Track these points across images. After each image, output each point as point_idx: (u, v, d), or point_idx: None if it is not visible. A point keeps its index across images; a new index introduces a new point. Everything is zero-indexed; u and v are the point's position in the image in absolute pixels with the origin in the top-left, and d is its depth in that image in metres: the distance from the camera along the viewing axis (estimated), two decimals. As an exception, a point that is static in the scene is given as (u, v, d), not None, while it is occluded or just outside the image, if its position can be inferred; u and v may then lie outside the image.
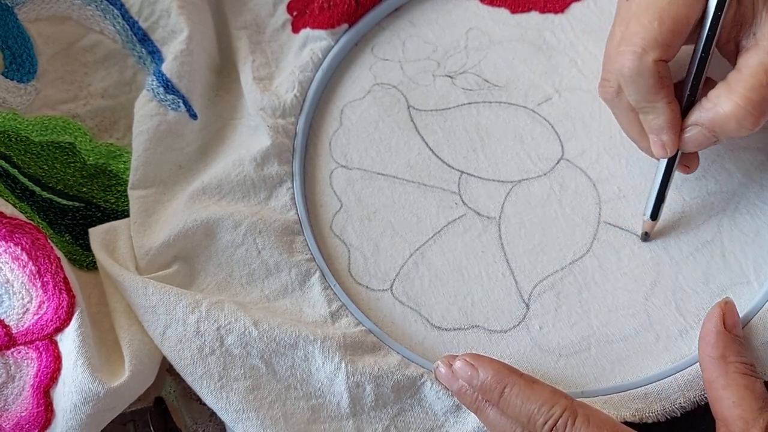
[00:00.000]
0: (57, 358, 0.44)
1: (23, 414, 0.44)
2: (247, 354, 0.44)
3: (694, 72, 0.44)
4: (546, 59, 0.54)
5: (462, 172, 0.51)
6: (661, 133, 0.44)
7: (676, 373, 0.44)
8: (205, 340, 0.44)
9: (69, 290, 0.44)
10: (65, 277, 0.45)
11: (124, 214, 0.51)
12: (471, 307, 0.47)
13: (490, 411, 0.42)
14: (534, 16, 0.56)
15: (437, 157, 0.52)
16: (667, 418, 0.43)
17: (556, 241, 0.49)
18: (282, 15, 0.57)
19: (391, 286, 0.48)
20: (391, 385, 0.44)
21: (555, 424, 0.40)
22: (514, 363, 0.44)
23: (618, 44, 0.43)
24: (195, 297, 0.45)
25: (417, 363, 0.45)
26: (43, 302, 0.44)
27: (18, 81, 0.53)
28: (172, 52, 0.53)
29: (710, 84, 0.44)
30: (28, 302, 0.45)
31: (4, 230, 0.45)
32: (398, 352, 0.46)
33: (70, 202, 0.51)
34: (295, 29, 0.56)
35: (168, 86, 0.52)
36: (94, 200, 0.52)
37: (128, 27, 0.55)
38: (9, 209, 0.46)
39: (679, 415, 0.43)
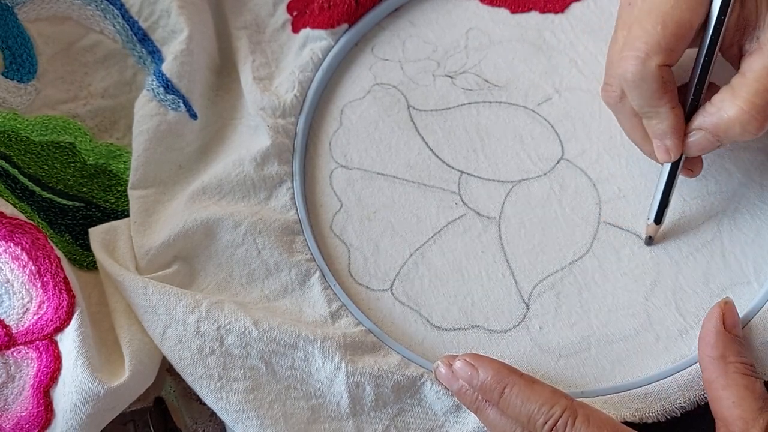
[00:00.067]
0: (57, 358, 0.44)
1: (23, 414, 0.44)
2: (247, 354, 0.44)
3: (697, 76, 0.43)
4: (546, 59, 0.54)
5: (462, 172, 0.51)
6: (665, 138, 0.44)
7: (676, 373, 0.44)
8: (205, 340, 0.44)
9: (69, 290, 0.44)
10: (65, 277, 0.45)
11: (124, 214, 0.51)
12: (471, 307, 0.47)
13: (490, 411, 0.42)
14: (534, 16, 0.56)
15: (437, 157, 0.52)
16: (667, 418, 0.43)
17: (556, 241, 0.49)
18: (282, 15, 0.57)
19: (391, 286, 0.48)
20: (391, 385, 0.44)
21: (555, 424, 0.40)
22: (514, 363, 0.44)
23: (621, 49, 0.43)
24: (195, 297, 0.45)
25: (417, 363, 0.45)
26: (43, 302, 0.44)
27: (18, 81, 0.53)
28: (172, 52, 0.53)
29: (713, 89, 0.44)
30: (28, 302, 0.45)
31: (4, 230, 0.45)
32: (398, 352, 0.46)
33: (70, 202, 0.51)
34: (295, 29, 0.56)
35: (168, 86, 0.52)
36: (94, 200, 0.52)
37: (128, 27, 0.55)
38: (9, 209, 0.46)
39: (679, 415, 0.43)
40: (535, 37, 0.55)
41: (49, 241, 0.46)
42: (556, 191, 0.50)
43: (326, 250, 0.50)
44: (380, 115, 0.54)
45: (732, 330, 0.42)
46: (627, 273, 0.47)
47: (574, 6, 0.55)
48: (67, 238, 0.50)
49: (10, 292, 0.45)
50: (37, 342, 0.44)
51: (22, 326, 0.44)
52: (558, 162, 0.51)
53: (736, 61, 0.43)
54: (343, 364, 0.44)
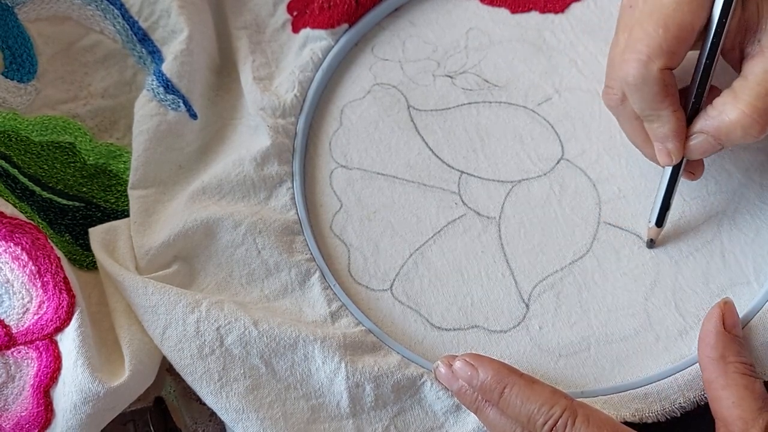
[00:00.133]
0: (57, 358, 0.44)
1: (23, 414, 0.44)
2: (247, 354, 0.44)
3: (698, 79, 0.43)
4: (546, 59, 0.54)
5: (462, 172, 0.51)
6: (666, 141, 0.44)
7: (675, 373, 0.44)
8: (204, 340, 0.44)
9: (69, 290, 0.44)
10: (65, 277, 0.45)
11: (124, 214, 0.51)
12: (471, 307, 0.47)
13: (490, 411, 0.42)
14: (534, 16, 0.56)
15: (437, 157, 0.52)
16: (667, 418, 0.43)
17: (556, 241, 0.49)
18: (282, 15, 0.57)
19: (391, 286, 0.48)
20: (390, 385, 0.44)
21: (555, 424, 0.40)
22: (514, 363, 0.44)
23: (622, 51, 0.43)
24: (195, 297, 0.45)
25: (417, 363, 0.45)
26: (43, 302, 0.44)
27: (18, 81, 0.53)
28: (172, 52, 0.53)
29: (714, 92, 0.43)
30: (28, 302, 0.45)
31: (4, 230, 0.45)
32: (398, 352, 0.46)
33: (70, 202, 0.51)
34: (295, 29, 0.56)
35: (168, 86, 0.52)
36: (94, 200, 0.52)
37: (128, 27, 0.55)
38: (9, 209, 0.46)
39: (678, 415, 0.43)
40: (535, 37, 0.55)
41: (49, 241, 0.46)
42: (556, 191, 0.50)
43: (326, 250, 0.50)
44: (380, 115, 0.54)
45: (732, 330, 0.42)
46: (627, 273, 0.47)
47: (574, 6, 0.55)
48: (67, 238, 0.50)
49: (10, 292, 0.45)
50: (37, 342, 0.44)
51: (22, 326, 0.44)
52: (558, 162, 0.51)
53: (737, 64, 0.43)
54: (343, 364, 0.44)
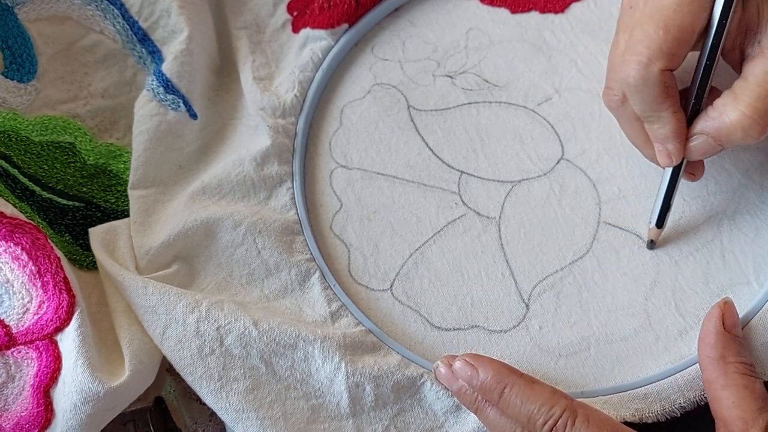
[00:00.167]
0: (57, 358, 0.44)
1: (23, 414, 0.44)
2: (247, 354, 0.44)
3: (699, 80, 0.43)
4: (546, 59, 0.54)
5: (462, 172, 0.51)
6: (667, 142, 0.44)
7: (675, 373, 0.44)
8: (204, 340, 0.44)
9: (69, 290, 0.44)
10: (65, 277, 0.45)
11: (124, 214, 0.51)
12: (471, 307, 0.47)
13: (489, 411, 0.42)
14: (534, 16, 0.56)
15: (437, 157, 0.52)
16: (667, 418, 0.43)
17: (556, 241, 0.49)
18: (282, 15, 0.57)
19: (391, 286, 0.48)
20: (390, 385, 0.44)
21: (555, 425, 0.40)
22: (514, 363, 0.44)
23: (622, 53, 0.43)
24: (195, 297, 0.45)
25: (417, 363, 0.45)
26: (43, 302, 0.44)
27: (18, 81, 0.53)
28: (172, 52, 0.53)
29: (715, 93, 0.43)
30: (28, 302, 0.45)
31: (4, 230, 0.45)
32: (398, 352, 0.46)
33: (70, 202, 0.51)
34: (295, 29, 0.56)
35: (168, 86, 0.52)
36: (94, 200, 0.52)
37: (128, 27, 0.55)
38: (9, 209, 0.46)
39: (678, 415, 0.43)
40: (535, 37, 0.55)
41: (49, 241, 0.46)
42: (556, 191, 0.50)
43: (326, 250, 0.50)
44: (380, 115, 0.54)
45: (732, 330, 0.42)
46: (627, 273, 0.47)
47: (574, 6, 0.55)
48: (67, 238, 0.50)
49: (10, 292, 0.45)
50: (37, 342, 0.44)
51: (22, 326, 0.44)
52: (558, 162, 0.51)
53: (737, 65, 0.43)
54: (343, 364, 0.44)
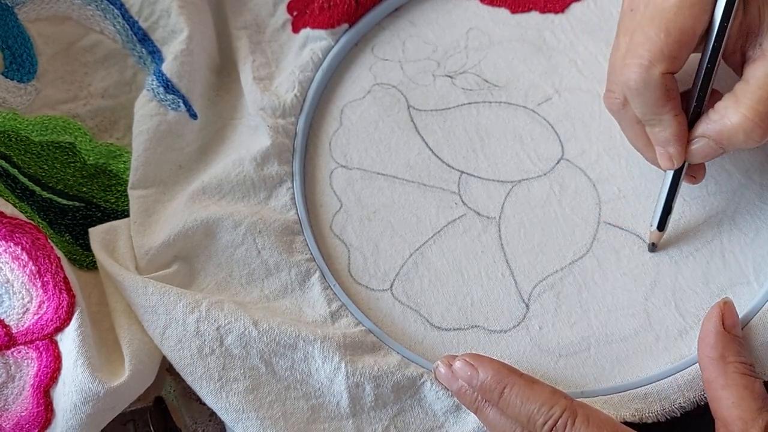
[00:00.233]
0: (57, 358, 0.44)
1: (23, 414, 0.44)
2: (247, 354, 0.44)
3: (700, 83, 0.43)
4: (546, 59, 0.54)
5: (462, 172, 0.51)
6: (668, 145, 0.44)
7: (675, 373, 0.44)
8: (204, 340, 0.44)
9: (69, 290, 0.44)
10: (65, 277, 0.45)
11: (124, 214, 0.51)
12: (471, 307, 0.47)
13: (489, 411, 0.42)
14: (534, 16, 0.56)
15: (437, 157, 0.52)
16: (666, 418, 0.43)
17: (556, 241, 0.49)
18: (282, 15, 0.57)
19: (391, 286, 0.48)
20: (390, 385, 0.44)
21: (555, 425, 0.40)
22: (514, 363, 0.44)
23: (623, 56, 0.43)
24: (195, 297, 0.45)
25: (417, 363, 0.45)
26: (43, 302, 0.44)
27: (18, 81, 0.53)
28: (172, 52, 0.53)
29: (716, 95, 0.43)
30: (28, 302, 0.45)
31: (4, 230, 0.45)
32: (398, 352, 0.46)
33: (70, 202, 0.51)
34: (295, 29, 0.56)
35: (168, 86, 0.52)
36: (94, 200, 0.52)
37: (128, 27, 0.55)
38: (9, 209, 0.46)
39: (678, 415, 0.43)
40: (535, 37, 0.55)
41: (49, 241, 0.46)
42: (556, 191, 0.50)
43: (326, 250, 0.50)
44: (380, 115, 0.54)
45: (731, 330, 0.42)
46: (627, 273, 0.47)
47: (574, 6, 0.55)
48: (67, 238, 0.50)
49: (10, 292, 0.45)
50: (37, 342, 0.44)
51: (22, 326, 0.44)
52: (558, 162, 0.51)
53: (738, 67, 0.43)
54: (342, 364, 0.44)
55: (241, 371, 0.44)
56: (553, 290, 0.47)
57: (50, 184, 0.51)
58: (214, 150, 0.53)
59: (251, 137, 0.52)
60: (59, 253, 0.46)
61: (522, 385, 0.41)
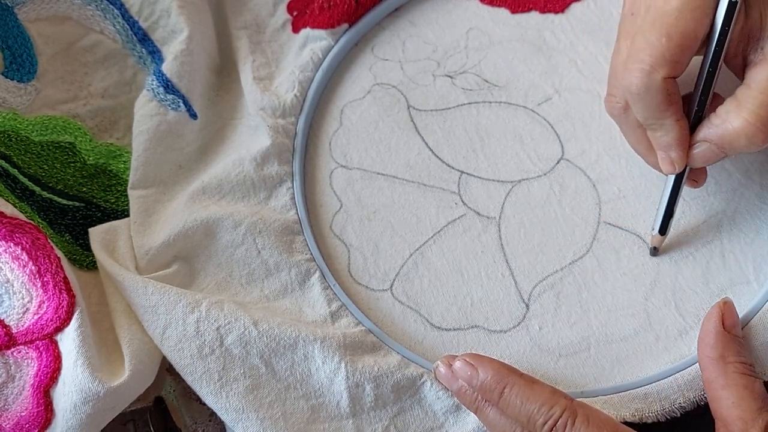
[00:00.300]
0: (57, 358, 0.44)
1: (23, 414, 0.44)
2: (247, 354, 0.44)
3: (701, 87, 0.43)
4: (546, 59, 0.54)
5: (462, 172, 0.51)
6: (670, 149, 0.44)
7: (675, 373, 0.44)
8: (204, 340, 0.44)
9: (69, 290, 0.44)
10: (65, 277, 0.45)
11: (124, 214, 0.51)
12: (471, 307, 0.47)
13: (489, 411, 0.42)
14: (534, 16, 0.56)
15: (437, 157, 0.52)
16: (666, 418, 0.43)
17: (556, 241, 0.49)
18: (282, 15, 0.57)
19: (391, 286, 0.48)
20: (390, 385, 0.44)
21: (555, 424, 0.40)
22: (514, 363, 0.44)
23: (625, 60, 0.43)
24: (195, 297, 0.45)
25: (417, 363, 0.45)
26: (43, 302, 0.44)
27: (18, 81, 0.53)
28: (172, 52, 0.53)
29: (717, 99, 0.43)
30: (28, 302, 0.45)
31: (4, 230, 0.45)
32: (398, 352, 0.46)
33: (70, 202, 0.51)
34: (295, 29, 0.56)
35: (168, 86, 0.52)
36: (94, 200, 0.52)
37: (128, 27, 0.55)
38: (9, 209, 0.46)
39: (678, 415, 0.43)
40: (535, 37, 0.55)
41: (49, 241, 0.46)
42: (556, 191, 0.50)
43: (326, 250, 0.50)
44: (380, 115, 0.54)
45: (731, 330, 0.42)
46: (627, 273, 0.47)
47: (574, 6, 0.55)
48: (67, 238, 0.50)
49: (10, 291, 0.45)
50: (37, 342, 0.44)
51: (22, 326, 0.44)
52: (558, 162, 0.51)
53: (740, 71, 0.43)
54: (342, 364, 0.44)
55: (241, 371, 0.44)
56: (553, 290, 0.47)
57: (50, 184, 0.51)
58: (214, 150, 0.53)
59: (251, 137, 0.52)
60: (59, 253, 0.46)
61: (522, 385, 0.41)
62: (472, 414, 0.43)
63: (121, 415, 0.46)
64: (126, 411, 0.46)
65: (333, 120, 0.54)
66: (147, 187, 0.51)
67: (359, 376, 0.44)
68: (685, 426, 0.44)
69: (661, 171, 0.45)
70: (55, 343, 0.44)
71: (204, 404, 0.45)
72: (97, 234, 0.49)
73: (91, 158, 0.53)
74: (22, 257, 0.45)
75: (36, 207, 0.50)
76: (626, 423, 0.42)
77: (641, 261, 0.47)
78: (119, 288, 0.46)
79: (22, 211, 0.48)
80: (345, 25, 0.55)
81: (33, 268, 0.45)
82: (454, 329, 0.47)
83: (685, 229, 0.48)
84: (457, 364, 0.43)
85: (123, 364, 0.44)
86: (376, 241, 0.50)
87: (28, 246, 0.45)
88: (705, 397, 0.42)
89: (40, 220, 0.49)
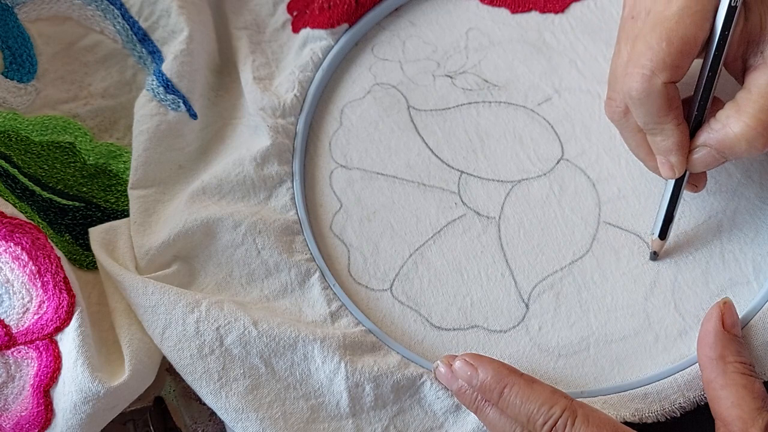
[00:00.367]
0: (57, 358, 0.44)
1: (23, 414, 0.44)
2: (247, 354, 0.44)
3: (701, 92, 0.43)
4: (546, 60, 0.54)
5: (462, 172, 0.51)
6: (670, 154, 0.44)
7: (675, 373, 0.44)
8: (204, 340, 0.44)
9: (69, 290, 0.45)
10: (65, 277, 0.45)
11: (124, 214, 0.51)
12: (470, 307, 0.47)
13: (489, 411, 0.42)
14: (534, 17, 0.56)
15: (437, 157, 0.52)
16: (666, 418, 0.43)
17: (556, 241, 0.49)
18: (282, 15, 0.57)
19: (391, 286, 0.48)
20: (390, 384, 0.44)
21: (555, 424, 0.40)
22: (514, 363, 0.44)
23: (625, 65, 0.42)
24: (194, 297, 0.45)
25: (416, 363, 0.45)
26: (43, 302, 0.44)
27: (18, 81, 0.53)
28: (172, 52, 0.53)
29: (717, 103, 0.43)
30: (28, 302, 0.45)
31: (4, 230, 0.45)
32: (398, 352, 0.46)
33: (70, 202, 0.51)
34: (295, 29, 0.56)
35: (168, 86, 0.52)
36: (94, 200, 0.52)
37: (128, 27, 0.55)
38: (9, 209, 0.46)
39: (678, 415, 0.43)
40: (535, 37, 0.55)
41: (49, 241, 0.46)
42: (555, 191, 0.50)
43: (326, 250, 0.50)
44: (380, 115, 0.54)
45: (731, 330, 0.42)
46: (626, 273, 0.47)
47: (574, 6, 0.55)
48: (67, 238, 0.50)
49: (10, 291, 0.45)
50: (37, 342, 0.44)
51: (22, 326, 0.44)
52: (558, 162, 0.51)
53: (740, 75, 0.43)
54: (342, 364, 0.44)
55: (241, 371, 0.44)
56: (552, 290, 0.47)
57: (50, 184, 0.51)
58: (214, 150, 0.53)
59: (251, 137, 0.52)
60: (59, 253, 0.46)
61: (522, 384, 0.41)
62: (472, 414, 0.43)
63: (121, 415, 0.46)
64: (126, 411, 0.46)
65: (333, 120, 0.54)
66: (147, 187, 0.51)
67: (359, 376, 0.44)
68: (685, 426, 0.44)
69: (660, 175, 0.45)
70: (55, 343, 0.44)
71: (204, 404, 0.45)
72: (97, 234, 0.49)
73: (91, 158, 0.53)
74: (22, 257, 0.45)
75: (36, 207, 0.50)
76: (626, 423, 0.42)
77: (641, 261, 0.48)
78: (119, 288, 0.46)
79: (22, 211, 0.48)
80: (345, 25, 0.55)
81: (33, 268, 0.45)
82: (454, 329, 0.47)
83: (685, 229, 0.48)
84: (457, 363, 0.43)
85: (123, 364, 0.44)
86: (375, 241, 0.50)
87: (28, 246, 0.45)
88: (705, 397, 0.42)
89: (40, 220, 0.49)
